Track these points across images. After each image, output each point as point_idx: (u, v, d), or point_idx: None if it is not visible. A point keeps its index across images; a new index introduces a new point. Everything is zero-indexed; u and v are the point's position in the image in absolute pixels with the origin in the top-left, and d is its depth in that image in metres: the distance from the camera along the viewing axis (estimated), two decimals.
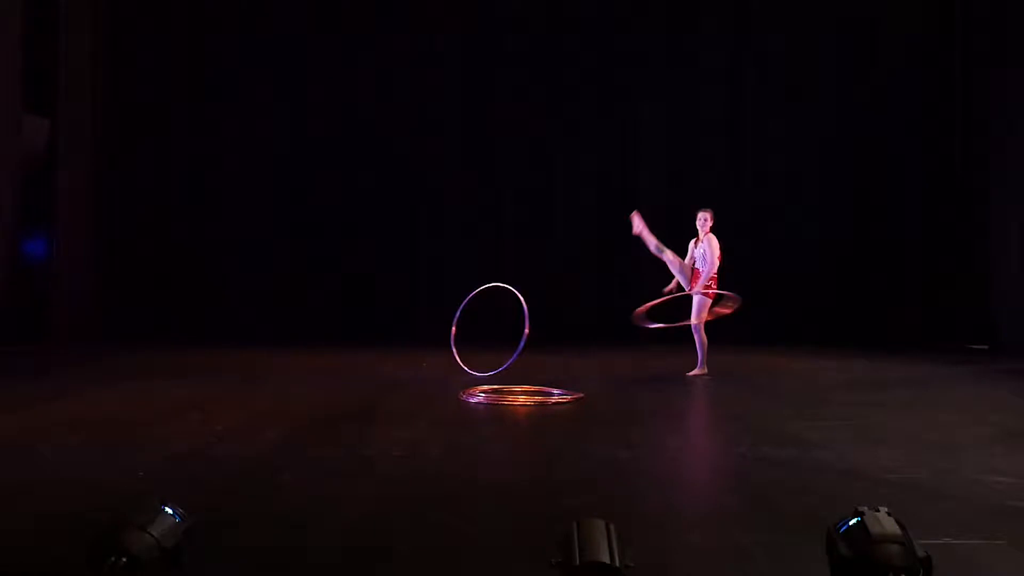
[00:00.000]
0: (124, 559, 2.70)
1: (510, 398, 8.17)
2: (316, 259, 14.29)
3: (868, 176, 14.29)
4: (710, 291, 9.59)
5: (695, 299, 9.64)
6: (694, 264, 9.70)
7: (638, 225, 9.81)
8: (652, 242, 9.75)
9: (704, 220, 9.68)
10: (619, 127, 14.61)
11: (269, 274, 14.22)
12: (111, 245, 13.74)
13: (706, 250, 9.61)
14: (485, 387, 8.54)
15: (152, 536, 2.78)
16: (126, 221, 13.87)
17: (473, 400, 8.07)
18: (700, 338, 9.68)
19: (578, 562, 2.61)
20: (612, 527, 2.71)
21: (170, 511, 2.89)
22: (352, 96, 14.36)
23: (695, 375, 9.65)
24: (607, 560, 2.59)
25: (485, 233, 14.48)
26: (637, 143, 14.58)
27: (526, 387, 8.51)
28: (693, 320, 9.64)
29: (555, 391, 8.34)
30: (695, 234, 9.79)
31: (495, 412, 7.74)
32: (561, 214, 14.57)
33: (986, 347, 12.92)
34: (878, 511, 2.84)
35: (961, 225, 13.96)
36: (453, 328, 9.51)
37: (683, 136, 14.46)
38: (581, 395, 8.21)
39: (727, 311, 9.66)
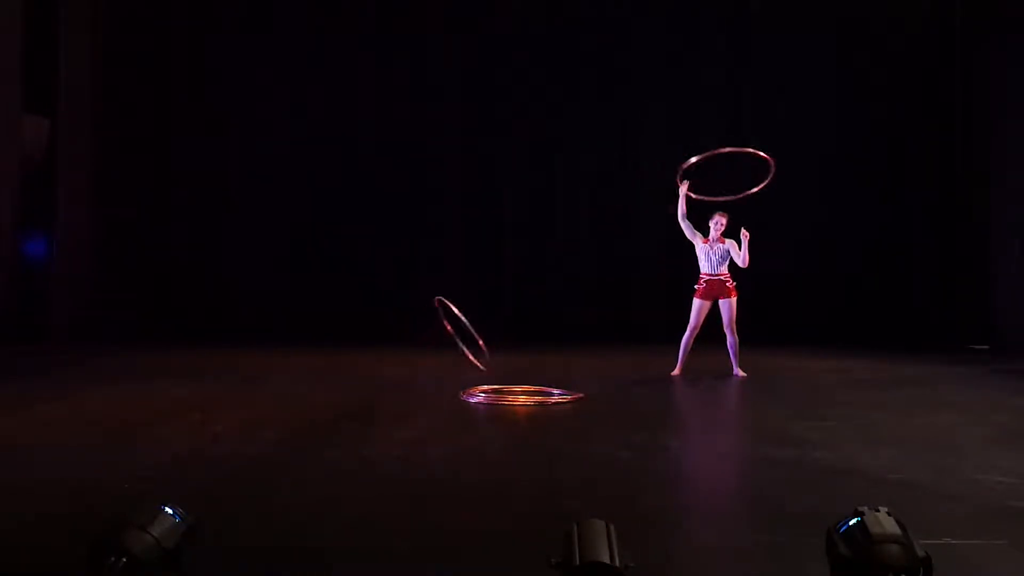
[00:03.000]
0: (124, 559, 2.70)
1: (510, 398, 8.17)
2: (316, 259, 14.28)
3: (868, 176, 14.29)
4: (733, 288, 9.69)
5: (730, 303, 9.68)
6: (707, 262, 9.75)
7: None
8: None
9: (720, 224, 9.71)
10: (620, 127, 14.61)
11: (269, 274, 14.21)
12: (111, 245, 13.73)
13: (733, 251, 9.66)
14: (485, 387, 8.53)
15: (152, 536, 2.77)
16: (126, 221, 13.86)
17: (473, 400, 8.06)
18: (736, 339, 9.74)
19: (578, 562, 2.60)
20: (612, 527, 2.71)
21: (170, 511, 2.89)
22: (352, 95, 14.35)
23: (742, 375, 9.69)
24: (607, 560, 2.59)
25: (485, 233, 14.48)
26: (638, 144, 14.57)
27: (526, 387, 8.51)
28: (732, 324, 9.69)
29: (555, 391, 8.33)
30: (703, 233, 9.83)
31: (495, 412, 7.74)
32: (561, 214, 14.57)
33: (986, 347, 12.92)
34: (878, 511, 2.83)
35: (961, 225, 13.97)
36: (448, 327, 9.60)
37: (683, 135, 14.43)
38: (581, 395, 8.20)
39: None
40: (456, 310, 9.63)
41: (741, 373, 9.69)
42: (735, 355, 9.75)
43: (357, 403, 8.01)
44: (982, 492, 4.89)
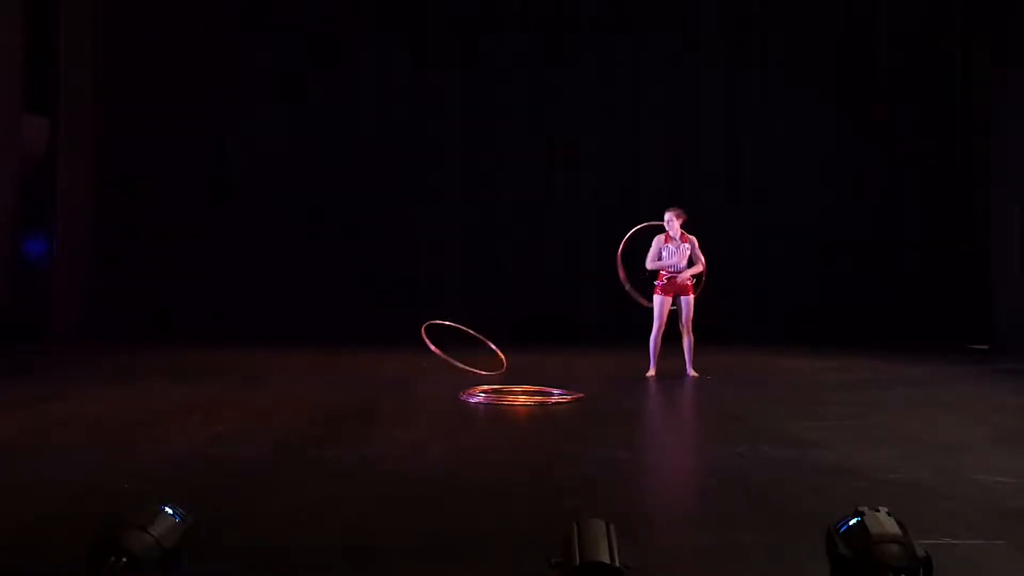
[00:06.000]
0: (124, 559, 2.69)
1: (510, 398, 8.16)
2: (316, 259, 14.28)
3: (868, 176, 14.29)
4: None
5: (688, 301, 9.65)
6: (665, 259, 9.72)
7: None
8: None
9: (672, 221, 9.69)
10: (620, 126, 14.61)
11: (269, 274, 14.20)
12: (111, 245, 13.73)
13: (694, 250, 9.65)
14: (485, 387, 8.53)
15: (152, 536, 2.77)
16: (126, 221, 13.85)
17: (473, 400, 8.06)
18: (692, 339, 9.72)
19: (578, 562, 2.60)
20: (612, 527, 2.71)
21: (170, 511, 2.88)
22: (352, 95, 14.36)
23: (694, 375, 9.65)
24: (607, 560, 2.59)
25: (485, 233, 14.48)
26: (638, 143, 14.58)
27: (526, 387, 8.50)
28: (690, 323, 9.66)
29: (555, 391, 8.33)
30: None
31: (495, 412, 7.74)
32: (561, 214, 14.56)
33: (986, 347, 12.92)
34: (878, 511, 2.83)
35: (961, 225, 13.96)
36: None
37: (683, 134, 14.47)
38: (581, 395, 8.20)
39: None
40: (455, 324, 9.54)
41: (693, 373, 9.65)
42: (690, 355, 9.70)
43: (357, 403, 8.01)
44: (982, 492, 4.89)
